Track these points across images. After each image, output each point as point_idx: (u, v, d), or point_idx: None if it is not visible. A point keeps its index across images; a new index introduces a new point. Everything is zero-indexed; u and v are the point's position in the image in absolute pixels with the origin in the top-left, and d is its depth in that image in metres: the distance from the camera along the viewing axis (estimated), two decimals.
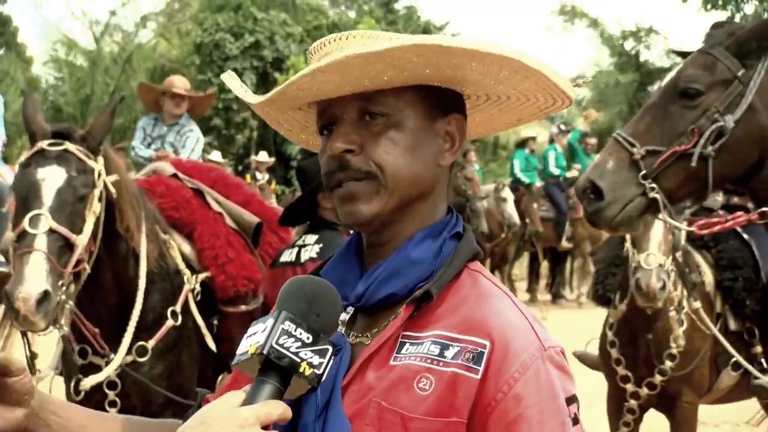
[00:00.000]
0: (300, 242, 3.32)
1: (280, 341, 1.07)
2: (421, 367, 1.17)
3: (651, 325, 3.82)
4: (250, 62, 22.94)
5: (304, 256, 3.24)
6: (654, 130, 2.68)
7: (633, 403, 3.88)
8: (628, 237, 3.73)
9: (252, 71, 22.84)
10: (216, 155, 13.00)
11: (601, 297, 4.15)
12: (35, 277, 2.67)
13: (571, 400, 1.17)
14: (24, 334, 3.16)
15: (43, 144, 2.95)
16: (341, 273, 1.29)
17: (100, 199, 2.99)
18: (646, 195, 2.64)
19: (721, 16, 16.54)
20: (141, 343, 3.19)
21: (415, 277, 1.23)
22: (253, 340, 1.09)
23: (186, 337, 3.40)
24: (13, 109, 19.20)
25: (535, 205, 12.76)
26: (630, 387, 3.86)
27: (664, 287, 3.55)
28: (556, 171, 13.53)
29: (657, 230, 3.64)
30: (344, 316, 1.28)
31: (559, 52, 55.08)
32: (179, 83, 6.15)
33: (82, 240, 2.86)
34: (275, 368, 1.07)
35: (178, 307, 3.28)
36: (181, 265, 3.44)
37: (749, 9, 16.88)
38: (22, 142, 21.40)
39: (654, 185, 2.63)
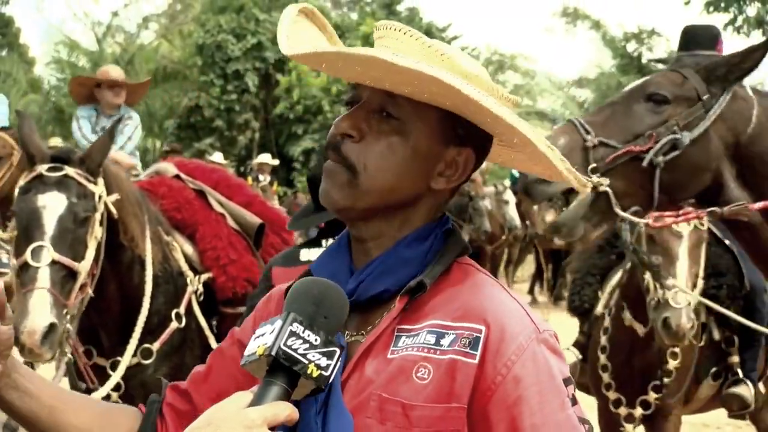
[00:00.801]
0: (325, 244, 3.26)
1: (288, 342, 1.07)
2: (418, 356, 1.17)
3: (648, 343, 3.72)
4: (252, 64, 22.96)
5: None
6: (611, 125, 2.65)
7: (629, 427, 3.80)
8: (646, 268, 3.52)
9: (254, 72, 22.87)
10: (218, 156, 13.00)
11: (577, 308, 4.08)
12: (40, 310, 2.67)
13: (568, 381, 1.19)
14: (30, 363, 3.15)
15: (43, 169, 2.92)
16: (332, 269, 1.29)
17: (101, 223, 2.98)
18: (596, 189, 2.56)
19: (723, 18, 16.57)
20: (146, 345, 3.18)
21: (407, 275, 1.24)
22: (261, 341, 1.09)
23: (189, 338, 3.40)
24: (15, 111, 19.19)
25: (535, 208, 12.75)
26: (623, 410, 3.77)
27: (693, 326, 3.40)
28: None
29: (682, 262, 3.48)
30: None
31: (561, 54, 55.13)
32: (114, 73, 6.05)
33: (84, 267, 2.86)
34: (283, 369, 1.07)
35: (182, 309, 3.28)
36: (184, 267, 3.43)
37: (751, 11, 16.88)
38: None
39: (604, 180, 2.56)
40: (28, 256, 2.73)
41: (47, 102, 24.50)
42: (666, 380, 3.72)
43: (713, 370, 3.91)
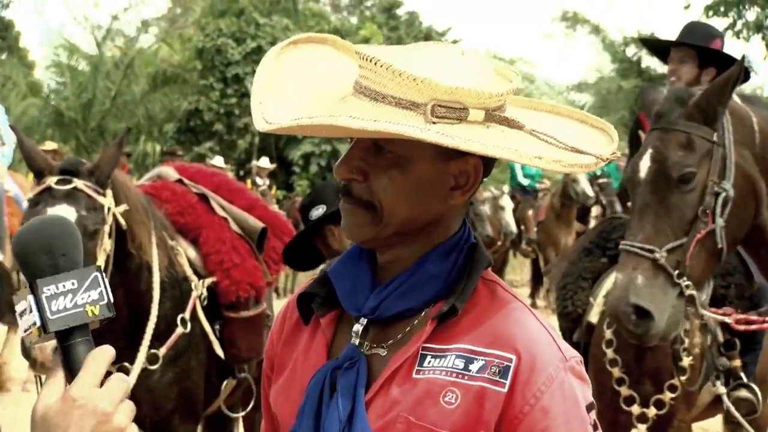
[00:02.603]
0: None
1: (53, 308, 1.00)
2: (446, 381, 1.17)
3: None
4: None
5: None
6: (664, 228, 2.62)
7: (642, 428, 3.68)
8: None
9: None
10: (218, 161, 13.01)
11: (569, 314, 4.00)
12: None
13: (591, 407, 1.21)
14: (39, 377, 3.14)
15: (52, 181, 2.91)
16: (352, 281, 1.28)
17: (110, 235, 2.97)
18: (683, 294, 2.59)
19: (722, 22, 16.59)
20: (152, 351, 3.17)
21: (431, 292, 1.24)
22: (29, 321, 1.02)
23: (194, 343, 3.39)
24: (14, 114, 19.22)
25: (530, 212, 12.75)
26: (636, 409, 3.68)
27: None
28: (525, 181, 13.47)
29: None
30: (358, 327, 1.26)
31: (561, 59, 55.24)
32: None
33: None
34: (68, 330, 1.02)
35: (187, 314, 3.27)
36: (189, 272, 3.43)
37: (751, 16, 16.92)
38: None
39: (688, 282, 2.58)
40: None
41: (47, 105, 24.52)
42: (683, 378, 3.66)
43: (713, 374, 3.88)
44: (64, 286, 1.02)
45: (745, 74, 4.29)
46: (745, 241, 2.85)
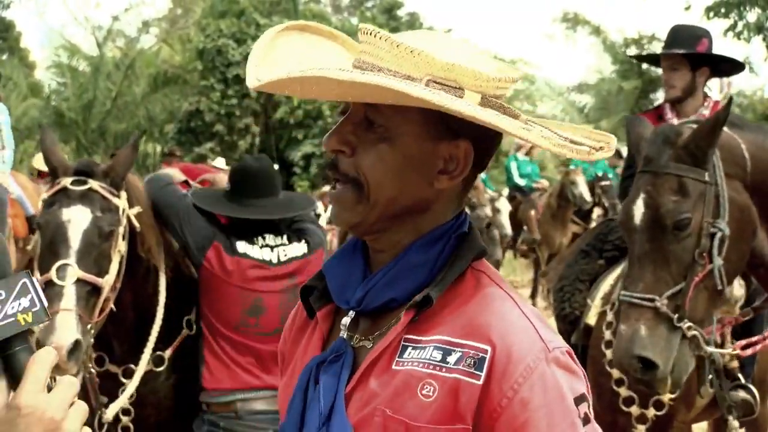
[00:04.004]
0: (268, 242, 3.21)
1: None
2: (424, 373, 1.14)
3: None
4: None
5: (282, 255, 3.20)
6: (663, 275, 2.65)
7: (641, 428, 3.65)
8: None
9: None
10: (220, 162, 13.00)
11: (567, 316, 3.98)
12: (66, 327, 2.70)
13: (581, 399, 1.15)
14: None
15: (67, 182, 2.91)
16: (345, 274, 1.27)
17: (124, 237, 2.98)
18: (686, 336, 2.63)
19: (723, 24, 16.61)
20: (157, 353, 3.18)
21: (415, 282, 1.21)
22: None
23: (198, 344, 3.40)
24: (15, 115, 19.22)
25: (532, 212, 12.72)
26: (635, 410, 3.65)
27: None
28: (521, 182, 13.41)
29: None
30: (346, 320, 1.26)
31: (562, 60, 55.18)
32: None
33: (108, 281, 2.87)
34: (5, 341, 1.00)
35: (192, 316, 3.28)
36: (195, 274, 3.44)
37: (751, 17, 16.92)
38: (24, 148, 21.45)
39: (690, 323, 2.62)
40: (53, 274, 2.75)
41: (48, 106, 24.56)
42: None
43: (710, 376, 3.87)
44: None
45: (739, 68, 4.30)
46: (746, 264, 2.87)
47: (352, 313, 1.25)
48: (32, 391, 0.94)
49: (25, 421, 0.92)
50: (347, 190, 1.21)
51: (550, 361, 1.13)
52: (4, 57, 26.01)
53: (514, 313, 1.17)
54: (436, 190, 1.22)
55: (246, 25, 23.28)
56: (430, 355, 1.15)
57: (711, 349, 2.73)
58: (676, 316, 2.62)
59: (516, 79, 1.22)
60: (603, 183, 11.54)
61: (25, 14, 58.48)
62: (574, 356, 1.19)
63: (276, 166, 3.79)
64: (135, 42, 28.37)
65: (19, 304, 1.00)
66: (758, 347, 2.97)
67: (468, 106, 1.10)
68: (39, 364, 0.96)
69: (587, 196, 11.40)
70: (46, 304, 1.02)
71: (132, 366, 3.13)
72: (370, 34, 1.17)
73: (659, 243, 2.67)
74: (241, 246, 3.15)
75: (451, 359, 1.14)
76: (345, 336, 1.24)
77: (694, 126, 2.75)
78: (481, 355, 1.13)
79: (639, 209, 2.72)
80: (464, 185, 1.26)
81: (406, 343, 1.18)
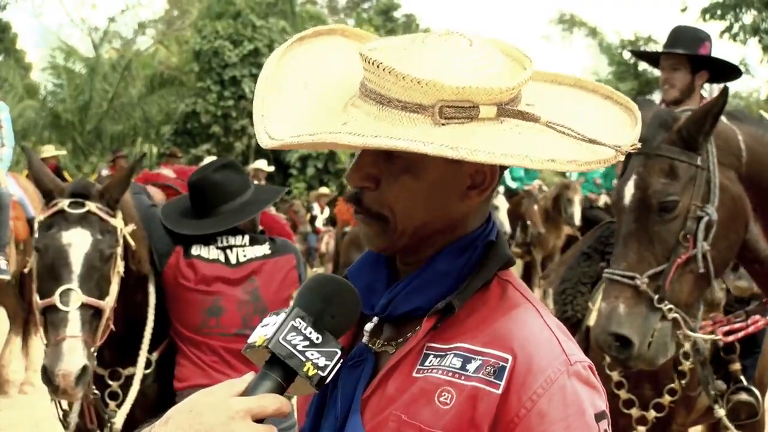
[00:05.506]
0: (226, 243, 3.21)
1: (288, 337, 1.05)
2: (442, 380, 1.13)
3: None
4: (249, 70, 22.98)
5: (242, 256, 3.19)
6: (646, 255, 2.65)
7: (641, 430, 3.63)
8: None
9: (251, 79, 22.89)
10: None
11: (568, 319, 3.92)
12: (73, 354, 2.72)
13: (601, 416, 1.12)
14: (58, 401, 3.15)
15: (64, 204, 2.90)
16: (369, 280, 1.25)
17: (122, 257, 2.98)
18: (666, 317, 2.62)
19: (719, 25, 16.65)
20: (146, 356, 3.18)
21: (441, 291, 1.19)
22: (263, 332, 1.07)
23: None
24: (11, 116, 19.16)
25: (535, 207, 12.70)
26: (635, 412, 3.64)
27: None
28: (513, 184, 13.46)
29: None
30: (369, 326, 1.25)
31: (558, 61, 55.29)
32: None
33: (109, 303, 2.88)
34: (280, 363, 1.05)
35: None
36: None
37: (747, 19, 16.96)
38: (19, 149, 21.38)
39: (670, 305, 2.61)
40: (56, 299, 2.75)
41: (44, 107, 24.50)
42: (682, 382, 3.65)
43: (713, 377, 3.85)
44: (311, 333, 1.07)
45: (737, 73, 4.30)
46: (740, 258, 2.86)
47: (375, 319, 1.25)
48: (244, 402, 1.04)
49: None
50: (373, 224, 1.20)
51: (571, 374, 1.11)
52: (0, 58, 25.97)
53: (537, 323, 1.16)
54: (467, 205, 1.20)
55: (242, 27, 23.27)
56: (450, 363, 1.14)
57: (693, 334, 2.71)
58: (657, 296, 2.61)
59: (529, 75, 1.18)
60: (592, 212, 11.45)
61: (21, 15, 58.49)
62: (595, 371, 1.17)
63: (271, 168, 3.76)
64: (131, 43, 28.41)
65: (319, 356, 1.07)
66: (740, 335, 2.96)
67: (486, 155, 1.08)
68: (264, 400, 1.04)
69: (577, 219, 11.38)
70: (332, 375, 1.09)
71: (119, 369, 3.14)
72: (372, 64, 1.12)
73: (645, 223, 2.67)
74: (195, 249, 3.16)
75: (471, 367, 1.13)
76: (367, 341, 1.24)
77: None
78: (501, 364, 1.11)
79: (629, 189, 2.73)
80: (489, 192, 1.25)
81: (429, 352, 1.17)
